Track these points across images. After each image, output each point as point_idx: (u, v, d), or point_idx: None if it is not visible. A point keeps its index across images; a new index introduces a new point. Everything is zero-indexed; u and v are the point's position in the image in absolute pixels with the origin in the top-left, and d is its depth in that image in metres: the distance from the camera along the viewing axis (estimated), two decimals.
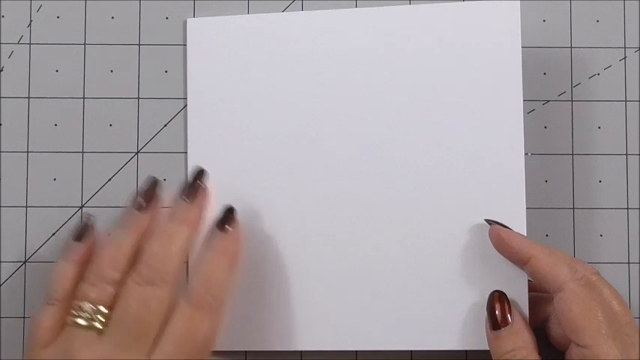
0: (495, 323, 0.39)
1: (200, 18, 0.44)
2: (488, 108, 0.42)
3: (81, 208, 0.44)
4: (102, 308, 0.37)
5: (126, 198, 0.44)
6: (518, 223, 0.41)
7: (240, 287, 0.42)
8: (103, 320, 0.37)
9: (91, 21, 0.45)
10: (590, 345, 0.35)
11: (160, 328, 0.37)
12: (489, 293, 0.40)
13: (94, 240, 0.40)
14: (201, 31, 0.44)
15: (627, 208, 0.44)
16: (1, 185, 0.44)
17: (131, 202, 0.40)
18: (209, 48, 0.44)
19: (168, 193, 0.41)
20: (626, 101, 0.45)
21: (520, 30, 0.42)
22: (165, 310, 0.37)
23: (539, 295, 0.40)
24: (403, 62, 0.43)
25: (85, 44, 0.45)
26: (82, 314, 0.37)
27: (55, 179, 0.44)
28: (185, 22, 0.45)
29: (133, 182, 0.44)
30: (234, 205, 0.41)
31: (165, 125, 0.44)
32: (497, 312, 0.39)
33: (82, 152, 0.44)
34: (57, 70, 0.45)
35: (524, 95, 0.42)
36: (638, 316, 0.44)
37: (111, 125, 0.44)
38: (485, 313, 0.40)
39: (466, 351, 0.43)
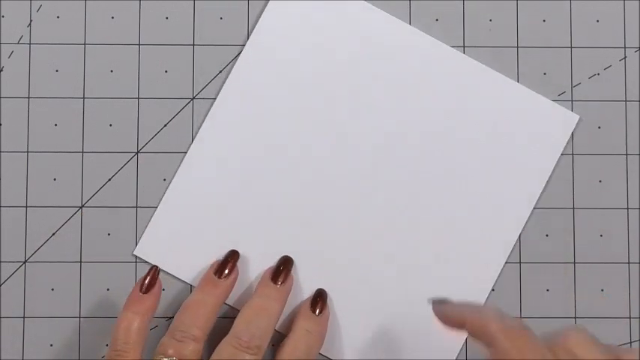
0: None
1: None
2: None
3: (81, 208, 0.44)
4: None
5: (126, 198, 0.44)
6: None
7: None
8: None
9: (91, 21, 0.45)
10: None
11: None
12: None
13: (159, 292, 0.40)
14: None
15: (627, 208, 0.44)
16: (1, 185, 0.44)
17: (211, 269, 0.42)
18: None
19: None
20: (626, 101, 0.45)
21: (566, 141, 0.43)
22: None
23: None
24: (440, 103, 0.44)
25: (85, 44, 0.45)
26: None
27: (55, 179, 0.44)
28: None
29: (133, 182, 0.44)
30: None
31: (165, 125, 0.44)
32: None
33: (82, 152, 0.44)
34: (57, 70, 0.45)
35: None
36: (637, 317, 0.44)
37: (111, 125, 0.44)
38: None
39: (466, 351, 0.44)
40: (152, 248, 0.43)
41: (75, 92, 0.45)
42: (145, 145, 0.44)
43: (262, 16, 0.44)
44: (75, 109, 0.44)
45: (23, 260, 0.44)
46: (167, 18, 0.45)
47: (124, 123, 0.44)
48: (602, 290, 0.44)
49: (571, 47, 0.45)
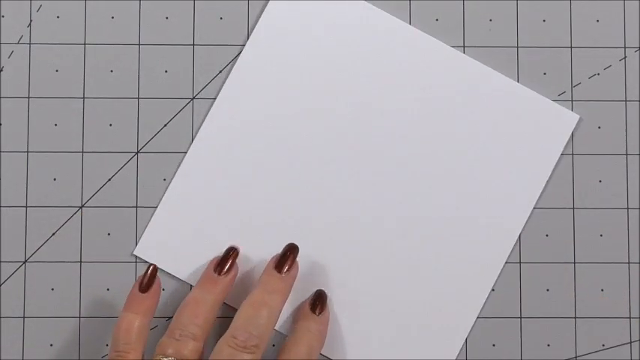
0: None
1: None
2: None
3: (81, 208, 0.44)
4: None
5: (126, 198, 0.44)
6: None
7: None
8: None
9: (91, 21, 0.45)
10: None
11: None
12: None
13: (158, 292, 0.40)
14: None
15: (627, 208, 0.44)
16: (1, 185, 0.44)
17: (211, 265, 0.42)
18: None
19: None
20: (626, 101, 0.45)
21: (566, 141, 0.43)
22: None
23: None
24: (440, 103, 0.44)
25: (85, 44, 0.45)
26: None
27: (55, 179, 0.44)
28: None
29: (132, 182, 0.44)
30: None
31: (165, 125, 0.44)
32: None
33: (82, 152, 0.44)
34: (57, 70, 0.45)
35: None
36: (637, 317, 0.44)
37: (111, 125, 0.44)
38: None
39: (466, 351, 0.44)
40: (152, 248, 0.43)
41: (75, 92, 0.45)
42: (145, 145, 0.44)
43: (262, 16, 0.44)
44: (75, 109, 0.44)
45: (23, 260, 0.44)
46: (167, 18, 0.45)
47: (124, 123, 0.44)
48: (602, 290, 0.44)
49: (571, 47, 0.45)
